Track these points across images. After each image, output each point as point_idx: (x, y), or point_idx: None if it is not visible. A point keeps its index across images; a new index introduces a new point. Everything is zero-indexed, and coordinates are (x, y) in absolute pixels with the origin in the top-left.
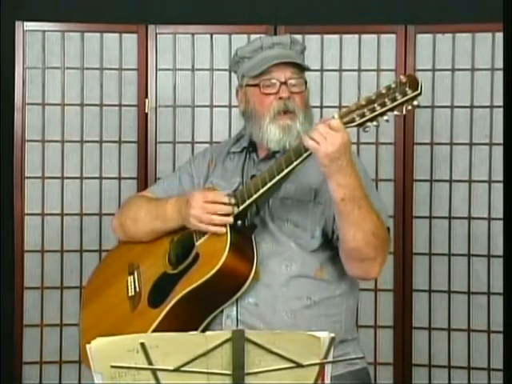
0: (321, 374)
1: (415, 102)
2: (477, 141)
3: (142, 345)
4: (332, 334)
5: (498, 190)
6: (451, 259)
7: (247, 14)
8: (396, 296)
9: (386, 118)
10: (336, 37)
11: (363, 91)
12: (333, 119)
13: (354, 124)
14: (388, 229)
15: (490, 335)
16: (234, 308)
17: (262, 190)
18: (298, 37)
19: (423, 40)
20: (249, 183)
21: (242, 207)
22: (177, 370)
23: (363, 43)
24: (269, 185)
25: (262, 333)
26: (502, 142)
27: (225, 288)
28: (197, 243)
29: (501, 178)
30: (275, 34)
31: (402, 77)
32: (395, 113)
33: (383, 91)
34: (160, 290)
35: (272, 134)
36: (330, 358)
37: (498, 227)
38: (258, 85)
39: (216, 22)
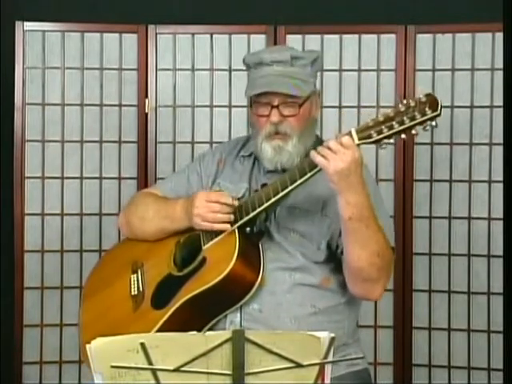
0: (321, 374)
1: (433, 123)
2: (477, 141)
3: (142, 345)
4: (332, 334)
5: (498, 189)
6: (451, 259)
7: (247, 14)
8: (396, 296)
9: (403, 136)
10: (336, 37)
11: (363, 91)
12: (344, 136)
13: (371, 140)
14: (393, 249)
15: (490, 335)
16: (238, 314)
17: (265, 205)
18: (298, 37)
19: (423, 40)
20: (254, 195)
21: (245, 219)
22: (177, 370)
23: (363, 43)
24: (272, 200)
25: (261, 333)
26: (502, 142)
27: (230, 294)
28: (204, 247)
29: (501, 178)
30: (275, 34)
31: (421, 96)
32: (413, 132)
33: (402, 109)
34: (164, 292)
35: (265, 153)
36: (330, 358)
37: (498, 227)
38: (253, 105)
39: (216, 22)
